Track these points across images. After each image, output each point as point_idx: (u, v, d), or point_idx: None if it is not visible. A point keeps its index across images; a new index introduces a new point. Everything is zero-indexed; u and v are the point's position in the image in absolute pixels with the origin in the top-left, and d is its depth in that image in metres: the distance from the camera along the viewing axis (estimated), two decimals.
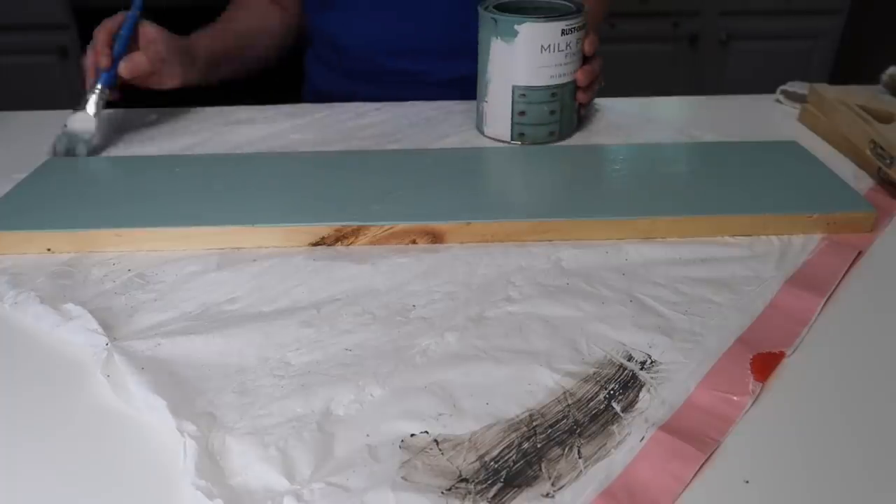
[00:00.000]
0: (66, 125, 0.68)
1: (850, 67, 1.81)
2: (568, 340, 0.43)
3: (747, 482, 0.34)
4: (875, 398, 0.39)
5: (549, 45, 0.65)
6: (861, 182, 0.62)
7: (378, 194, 0.57)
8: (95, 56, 0.68)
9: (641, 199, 0.56)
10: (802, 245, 0.53)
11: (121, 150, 0.70)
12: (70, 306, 0.46)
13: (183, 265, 0.51)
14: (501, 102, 0.69)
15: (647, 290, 0.48)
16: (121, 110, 0.81)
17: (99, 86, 0.69)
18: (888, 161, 0.60)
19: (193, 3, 1.77)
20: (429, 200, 0.56)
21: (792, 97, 0.79)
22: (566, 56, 0.66)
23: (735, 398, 0.38)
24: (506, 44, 0.65)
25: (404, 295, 0.48)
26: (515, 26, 0.64)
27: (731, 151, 0.66)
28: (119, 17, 0.70)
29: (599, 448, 0.36)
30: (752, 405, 0.38)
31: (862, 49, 1.79)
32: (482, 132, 0.72)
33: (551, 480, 0.34)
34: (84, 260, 0.52)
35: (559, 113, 0.69)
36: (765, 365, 0.41)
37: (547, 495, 0.33)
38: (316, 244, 0.53)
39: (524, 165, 0.64)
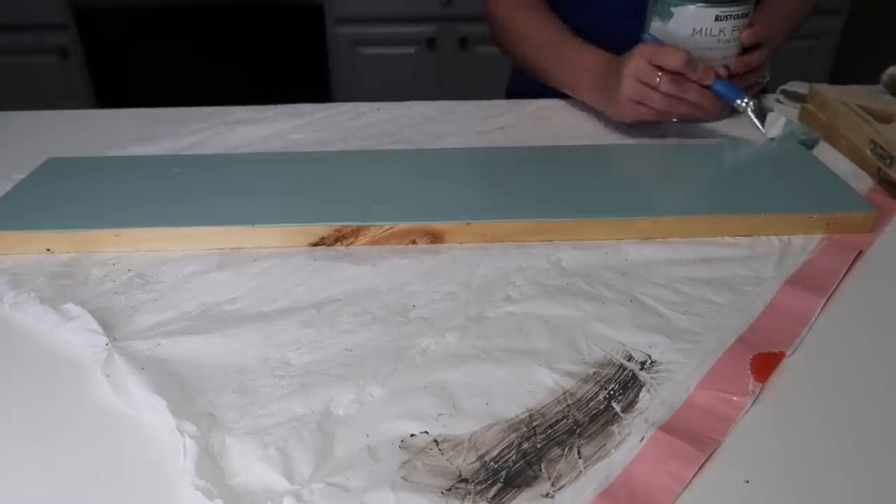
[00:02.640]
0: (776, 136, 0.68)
1: (850, 67, 1.81)
2: (568, 340, 0.43)
3: (747, 482, 0.34)
4: (875, 398, 0.39)
5: (702, 30, 0.69)
6: (861, 182, 0.62)
7: (378, 194, 0.57)
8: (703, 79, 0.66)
9: (641, 199, 0.56)
10: (802, 245, 0.53)
11: (121, 150, 0.70)
12: (70, 306, 0.46)
13: (183, 265, 0.51)
14: None
15: (647, 290, 0.48)
16: (121, 110, 0.81)
17: (745, 100, 0.68)
18: (888, 161, 0.60)
19: (193, 4, 1.78)
20: (429, 200, 0.56)
21: (792, 97, 0.79)
22: (718, 42, 0.69)
23: (735, 398, 0.38)
24: (662, 23, 0.71)
25: (404, 295, 0.48)
26: (671, 8, 0.70)
27: (731, 152, 0.66)
28: (649, 48, 0.67)
29: (599, 448, 0.36)
30: (752, 405, 0.38)
31: (862, 49, 1.79)
32: None
33: (551, 480, 0.34)
34: (84, 260, 0.52)
35: None
36: (765, 365, 0.41)
37: (547, 495, 0.33)
38: (316, 244, 0.53)
39: (524, 165, 0.64)
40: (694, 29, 0.69)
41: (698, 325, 0.44)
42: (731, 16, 0.69)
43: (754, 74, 0.74)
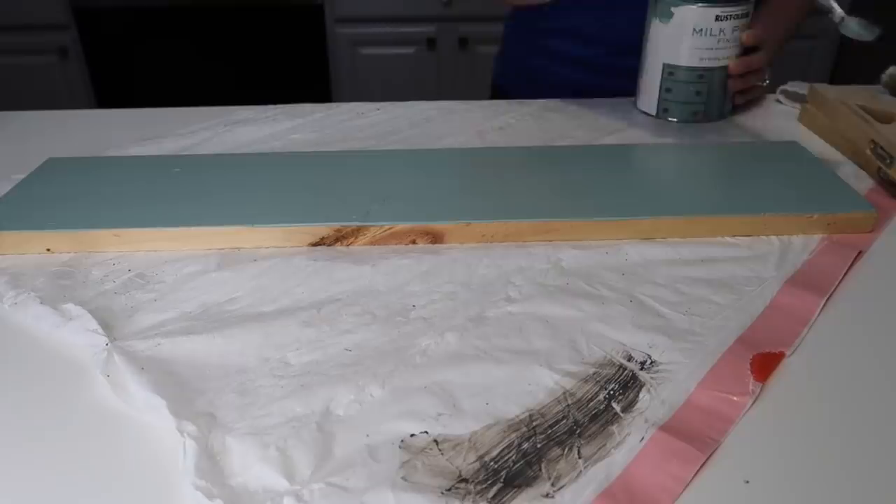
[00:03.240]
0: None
1: (850, 67, 1.81)
2: (568, 340, 0.43)
3: (747, 482, 0.34)
4: (875, 398, 0.39)
5: (702, 29, 0.69)
6: (861, 182, 0.62)
7: (378, 194, 0.57)
8: None
9: (641, 200, 0.56)
10: (802, 245, 0.53)
11: (121, 150, 0.70)
12: (70, 306, 0.46)
13: (183, 265, 0.51)
14: (652, 79, 0.75)
15: (647, 290, 0.48)
16: (121, 110, 0.81)
17: None
18: (888, 161, 0.60)
19: (193, 4, 1.78)
20: (429, 200, 0.56)
21: (792, 97, 0.79)
22: (718, 41, 0.70)
23: (735, 398, 0.38)
24: (662, 24, 0.71)
25: (404, 295, 0.48)
26: (672, 8, 0.70)
27: (731, 152, 0.66)
28: None
29: (599, 448, 0.36)
30: (752, 405, 0.38)
31: (862, 49, 1.79)
32: (635, 105, 0.79)
33: (551, 480, 0.34)
34: (84, 260, 0.52)
35: (706, 95, 0.72)
36: (765, 365, 0.41)
37: (547, 495, 0.33)
38: (316, 244, 0.53)
39: (524, 165, 0.64)
40: (694, 29, 0.69)
41: (698, 325, 0.44)
42: (731, 16, 0.69)
43: (753, 76, 0.74)
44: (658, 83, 0.74)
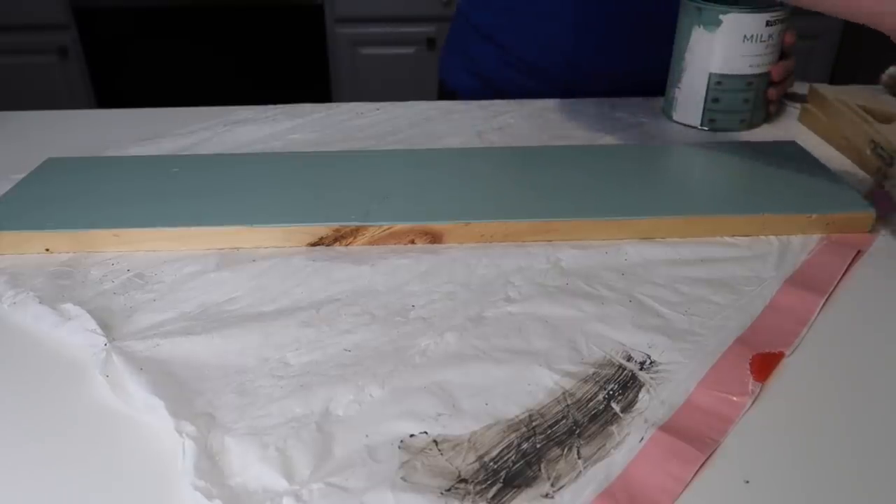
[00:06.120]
0: None
1: (850, 67, 1.81)
2: (567, 341, 0.43)
3: (747, 482, 0.34)
4: (874, 398, 0.39)
5: (752, 36, 0.67)
6: (861, 182, 0.62)
7: (377, 194, 0.57)
8: None
9: (641, 199, 0.56)
10: (802, 245, 0.53)
11: (121, 150, 0.70)
12: (69, 306, 0.46)
13: (182, 265, 0.51)
14: (695, 89, 0.71)
15: (647, 290, 0.48)
16: (120, 110, 0.81)
17: None
18: (888, 161, 0.60)
19: (193, 4, 1.78)
20: (428, 200, 0.56)
21: (792, 97, 0.79)
22: (766, 47, 0.68)
23: (735, 398, 0.38)
24: (708, 32, 0.68)
25: (403, 295, 0.48)
26: (720, 16, 0.67)
27: (730, 152, 0.66)
28: None
29: (599, 448, 0.35)
30: (751, 405, 0.38)
31: (862, 49, 1.79)
32: (670, 117, 0.75)
33: (551, 481, 0.34)
34: (83, 260, 0.52)
35: (752, 102, 0.71)
36: (764, 365, 0.41)
37: (546, 496, 0.33)
38: (315, 244, 0.53)
39: (524, 165, 0.64)
40: (745, 36, 0.67)
41: (698, 325, 0.44)
42: (778, 20, 0.67)
43: (788, 81, 0.73)
44: (703, 94, 0.71)
